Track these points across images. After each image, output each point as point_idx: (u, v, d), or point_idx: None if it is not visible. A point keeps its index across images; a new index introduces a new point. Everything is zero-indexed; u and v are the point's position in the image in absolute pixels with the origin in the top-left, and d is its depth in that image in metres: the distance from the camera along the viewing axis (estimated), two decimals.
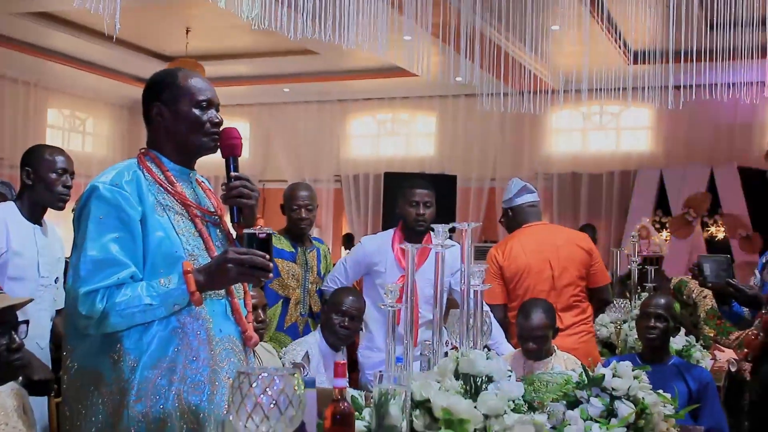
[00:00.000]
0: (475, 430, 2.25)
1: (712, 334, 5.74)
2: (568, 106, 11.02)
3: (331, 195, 12.65)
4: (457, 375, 2.42)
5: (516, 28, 8.17)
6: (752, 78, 8.34)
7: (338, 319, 4.28)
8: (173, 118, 2.66)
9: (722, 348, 5.61)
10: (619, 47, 9.42)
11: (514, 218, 5.08)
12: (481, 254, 12.02)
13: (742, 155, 10.55)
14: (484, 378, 2.42)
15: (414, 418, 2.22)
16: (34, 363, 3.43)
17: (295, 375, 1.66)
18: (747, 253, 9.89)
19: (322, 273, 5.00)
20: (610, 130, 11.86)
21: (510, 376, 2.48)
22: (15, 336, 2.43)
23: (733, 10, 7.13)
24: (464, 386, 2.38)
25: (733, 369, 5.40)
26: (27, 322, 2.68)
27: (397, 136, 12.71)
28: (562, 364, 4.03)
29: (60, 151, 3.85)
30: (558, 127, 12.02)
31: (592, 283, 4.95)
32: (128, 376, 2.46)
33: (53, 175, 3.76)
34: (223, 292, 2.65)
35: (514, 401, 2.39)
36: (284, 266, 4.79)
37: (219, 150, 2.72)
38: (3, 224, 3.63)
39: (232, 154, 2.70)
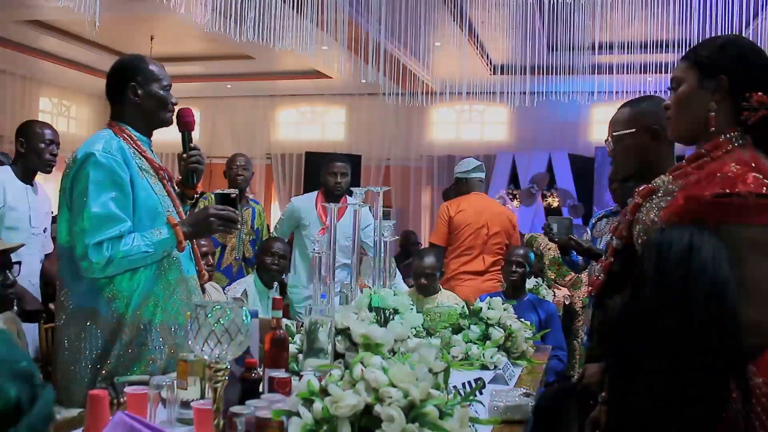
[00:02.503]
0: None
1: (553, 277, 6.09)
2: (446, 104, 11.16)
3: (263, 170, 12.59)
4: (370, 308, 2.49)
5: (408, 43, 8.36)
6: (583, 88, 8.72)
7: (269, 259, 4.36)
8: (146, 97, 2.64)
9: (560, 287, 5.98)
10: (484, 61, 9.61)
11: (466, 186, 5.30)
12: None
13: (572, 145, 11.01)
14: (392, 310, 2.49)
15: (337, 342, 2.26)
16: (27, 296, 3.43)
17: (243, 307, 1.66)
18: (573, 217, 10.31)
19: (256, 227, 5.08)
20: (476, 124, 12.10)
21: (412, 309, 2.54)
22: (9, 274, 2.38)
23: (569, 36, 7.47)
24: (376, 317, 2.45)
25: (567, 302, 5.79)
26: (19, 263, 2.66)
27: (315, 125, 12.71)
28: (445, 298, 4.21)
29: (48, 125, 3.83)
30: (438, 120, 12.18)
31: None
32: (122, 311, 2.49)
33: (42, 145, 3.73)
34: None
35: (415, 328, 2.46)
36: None
37: (177, 125, 2.75)
38: (0, 185, 3.60)
39: (187, 128, 2.74)
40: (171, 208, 2.66)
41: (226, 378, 1.75)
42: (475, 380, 2.49)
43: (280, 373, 2.15)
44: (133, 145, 2.64)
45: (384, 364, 1.78)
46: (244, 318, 1.70)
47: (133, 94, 2.67)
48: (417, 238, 8.98)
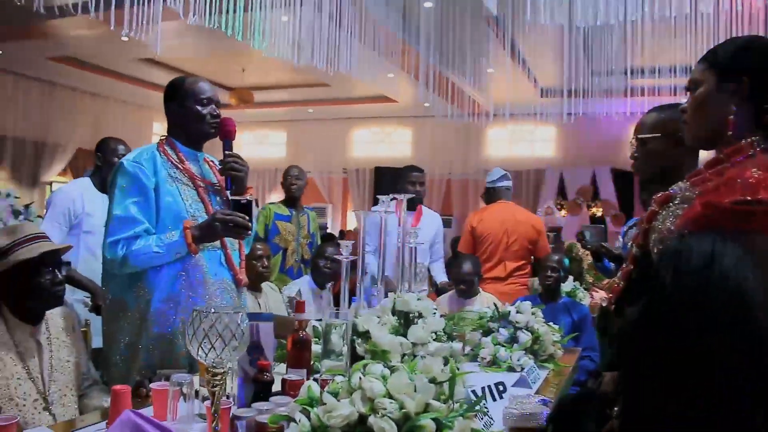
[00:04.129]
0: (404, 355, 2.02)
1: (591, 281, 5.71)
2: (499, 124, 10.89)
3: (341, 182, 12.57)
4: (394, 312, 2.22)
5: (465, 70, 8.13)
6: (621, 108, 8.32)
7: (323, 262, 4.10)
8: (182, 113, 2.50)
9: (597, 290, 5.60)
10: (533, 84, 9.34)
11: (493, 195, 4.94)
12: (444, 223, 12.19)
13: (614, 160, 10.56)
14: (416, 314, 2.20)
15: (357, 345, 2.01)
16: (98, 292, 3.25)
17: (239, 313, 1.46)
18: (616, 226, 9.90)
19: (312, 231, 4.84)
20: (527, 142, 11.73)
21: (435, 313, 2.24)
22: (58, 273, 2.26)
23: (606, 63, 7.08)
24: (399, 321, 2.18)
25: (604, 305, 5.38)
26: (69, 263, 2.63)
27: (384, 144, 12.53)
28: (485, 301, 3.88)
29: (121, 142, 3.67)
30: (492, 138, 11.83)
31: (537, 253, 4.77)
32: (145, 307, 2.33)
33: (115, 159, 3.53)
34: (218, 244, 2.47)
35: (436, 333, 2.17)
36: (283, 226, 4.66)
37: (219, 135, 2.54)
38: (80, 194, 3.48)
39: (226, 137, 2.51)
40: (200, 214, 2.45)
41: (225, 381, 1.50)
42: (496, 384, 2.17)
43: (295, 375, 1.89)
44: (170, 157, 2.48)
45: (385, 373, 1.50)
46: (239, 323, 1.43)
47: (172, 112, 2.55)
48: None
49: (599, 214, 10.48)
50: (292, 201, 4.86)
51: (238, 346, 1.44)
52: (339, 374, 1.62)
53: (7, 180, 9.65)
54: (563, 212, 10.68)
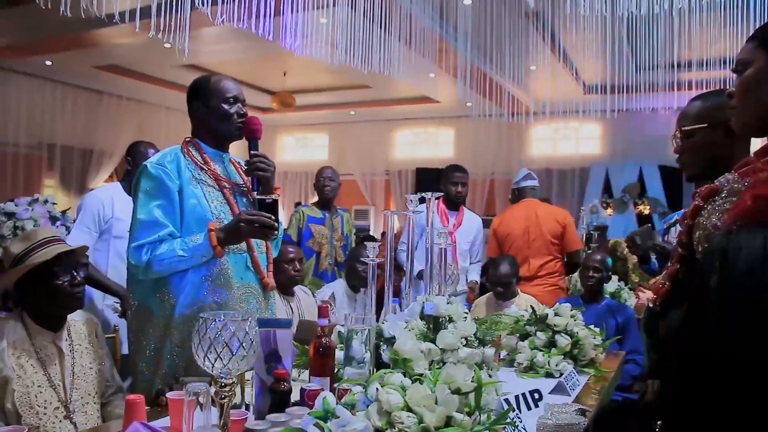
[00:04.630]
0: (432, 362, 1.88)
1: (637, 280, 5.50)
2: (543, 122, 10.68)
3: (383, 183, 12.49)
4: (422, 316, 2.08)
5: (506, 68, 7.96)
6: (667, 104, 8.05)
7: (361, 267, 3.94)
8: (207, 112, 2.40)
9: (644, 289, 5.39)
10: (576, 81, 9.10)
11: (518, 195, 4.82)
12: (485, 224, 11.97)
13: (661, 156, 10.27)
14: (445, 318, 2.06)
15: (382, 352, 1.88)
16: (128, 297, 3.25)
17: (249, 321, 1.35)
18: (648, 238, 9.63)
19: (345, 233, 4.71)
20: (571, 139, 11.49)
21: (466, 317, 2.09)
22: (76, 274, 2.20)
23: (652, 56, 6.83)
24: (427, 325, 2.04)
25: (650, 305, 5.18)
26: (86, 264, 2.57)
27: (427, 144, 12.40)
28: (524, 303, 3.69)
29: (152, 145, 3.58)
30: (536, 137, 11.62)
31: (566, 248, 4.60)
32: (169, 312, 2.24)
33: None
34: (244, 247, 2.37)
35: (467, 338, 2.02)
36: (316, 229, 4.54)
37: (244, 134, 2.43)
38: (110, 199, 3.38)
39: (252, 137, 2.39)
40: (225, 216, 2.35)
41: (234, 392, 1.40)
42: (531, 392, 2.03)
43: (315, 384, 1.79)
44: (194, 158, 2.38)
45: (405, 383, 1.39)
46: (248, 332, 1.33)
47: (197, 111, 2.45)
48: None
49: (646, 212, 10.16)
50: (325, 203, 4.72)
51: (246, 355, 1.34)
52: (358, 384, 1.51)
53: (56, 187, 9.84)
54: (609, 211, 10.39)
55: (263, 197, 2.32)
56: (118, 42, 8.01)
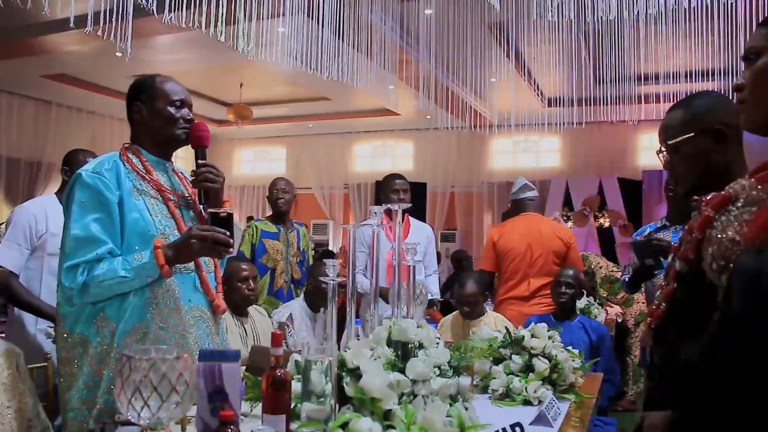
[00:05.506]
0: (402, 394, 1.65)
1: (605, 295, 5.35)
2: (503, 135, 10.63)
3: (341, 197, 12.26)
4: (389, 342, 1.83)
5: (467, 81, 7.86)
6: (628, 117, 7.99)
7: (317, 283, 3.57)
8: (151, 115, 2.14)
9: (612, 304, 5.24)
10: (537, 94, 9.03)
11: (516, 208, 4.44)
12: (445, 238, 11.81)
13: (621, 169, 10.27)
14: (415, 344, 1.81)
15: (345, 384, 1.64)
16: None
17: (185, 358, 1.10)
18: (624, 236, 9.61)
19: (302, 248, 4.39)
20: (532, 152, 11.42)
21: (438, 343, 1.86)
22: None
23: (614, 69, 6.76)
24: (395, 353, 1.79)
25: (619, 320, 5.00)
26: (5, 288, 2.35)
27: (386, 157, 12.22)
28: (492, 322, 3.47)
29: (91, 153, 3.22)
30: (497, 150, 11.52)
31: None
32: (109, 340, 1.95)
33: None
34: (192, 266, 2.11)
35: (440, 367, 1.79)
36: (270, 244, 4.22)
37: (190, 142, 2.17)
38: (43, 212, 3.02)
39: (200, 144, 2.15)
40: (170, 231, 2.08)
41: None
42: (512, 426, 1.81)
43: (268, 426, 1.53)
44: (135, 167, 2.10)
45: (375, 429, 1.16)
46: (183, 373, 1.08)
47: (138, 114, 2.17)
48: (468, 255, 8.11)
49: (606, 224, 10.13)
50: (279, 216, 4.40)
51: (181, 401, 1.09)
52: (318, 427, 1.27)
53: (1, 201, 9.35)
54: (570, 224, 10.33)
55: (216, 210, 2.06)
56: (67, 50, 7.66)
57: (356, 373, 1.71)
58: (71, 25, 4.35)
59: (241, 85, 9.64)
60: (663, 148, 1.77)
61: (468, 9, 6.21)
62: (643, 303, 4.91)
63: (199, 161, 2.15)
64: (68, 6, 4.17)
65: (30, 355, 2.26)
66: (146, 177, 2.10)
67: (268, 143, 12.79)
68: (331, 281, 1.89)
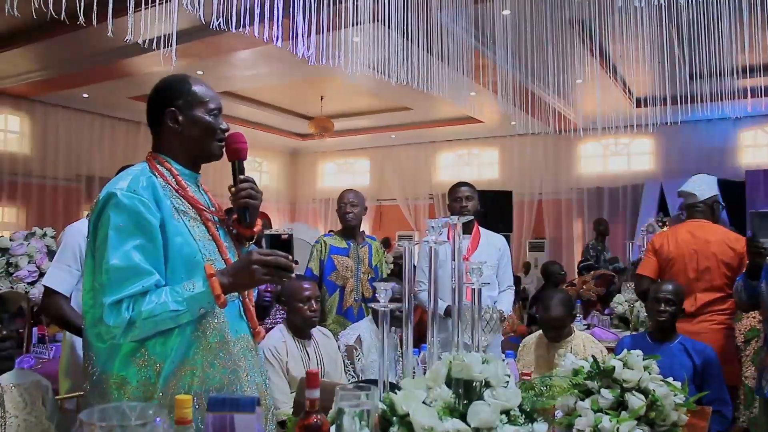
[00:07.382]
0: None
1: None
2: (592, 139, 10.10)
3: (426, 208, 11.97)
4: (448, 381, 1.51)
5: (552, 84, 7.42)
6: (725, 114, 7.37)
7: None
8: (188, 123, 1.85)
9: None
10: (626, 94, 8.49)
11: (687, 213, 3.94)
12: (534, 248, 11.30)
13: (720, 170, 9.53)
14: (481, 383, 1.49)
15: None
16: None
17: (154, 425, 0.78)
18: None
19: (374, 264, 4.05)
20: (623, 155, 10.82)
21: (507, 382, 1.54)
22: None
23: (708, 64, 6.19)
24: (455, 393, 1.48)
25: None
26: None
27: (470, 166, 11.88)
28: (580, 344, 3.05)
29: None
30: (585, 154, 10.99)
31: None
32: (154, 380, 1.67)
33: None
34: (236, 293, 1.83)
35: (509, 412, 1.48)
36: (339, 260, 3.93)
37: (226, 154, 1.91)
38: (83, 238, 2.84)
39: (238, 157, 1.89)
40: (215, 256, 1.81)
41: None
42: None
43: None
44: (170, 182, 1.82)
45: None
46: None
47: (172, 121, 1.86)
48: (561, 269, 7.55)
49: None
50: (349, 231, 4.06)
51: None
52: None
53: None
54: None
55: (276, 232, 1.80)
56: (150, 71, 7.73)
57: (405, 421, 1.42)
58: (153, 47, 4.28)
59: (321, 98, 9.55)
60: None
61: (547, 5, 5.81)
62: (753, 317, 4.30)
63: (240, 176, 1.89)
64: (150, 28, 4.08)
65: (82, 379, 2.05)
66: (182, 194, 1.82)
67: (351, 155, 12.67)
68: (382, 308, 1.59)
